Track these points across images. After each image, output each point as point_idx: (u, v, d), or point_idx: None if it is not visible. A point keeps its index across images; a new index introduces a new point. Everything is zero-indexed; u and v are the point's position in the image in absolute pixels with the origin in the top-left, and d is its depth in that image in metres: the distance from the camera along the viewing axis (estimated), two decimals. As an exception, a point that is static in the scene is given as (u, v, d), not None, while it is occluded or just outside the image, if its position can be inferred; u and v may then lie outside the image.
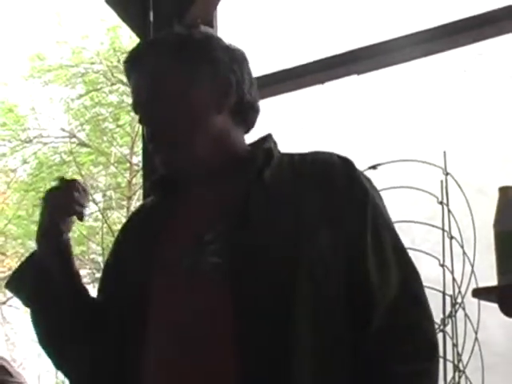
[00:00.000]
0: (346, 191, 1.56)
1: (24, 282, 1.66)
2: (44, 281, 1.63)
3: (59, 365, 1.68)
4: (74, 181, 1.63)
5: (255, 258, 1.48)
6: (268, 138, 1.67)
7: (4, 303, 11.63)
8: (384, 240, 1.56)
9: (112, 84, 11.71)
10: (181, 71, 1.61)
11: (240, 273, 1.47)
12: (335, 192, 1.55)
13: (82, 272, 11.75)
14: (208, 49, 1.64)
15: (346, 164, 1.61)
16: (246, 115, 1.67)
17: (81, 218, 1.63)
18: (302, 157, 1.63)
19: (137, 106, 1.65)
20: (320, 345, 1.46)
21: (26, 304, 1.67)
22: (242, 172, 1.59)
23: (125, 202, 10.91)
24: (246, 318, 1.45)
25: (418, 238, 2.73)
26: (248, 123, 1.68)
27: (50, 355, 1.66)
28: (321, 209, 1.53)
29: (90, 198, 11.21)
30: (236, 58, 1.66)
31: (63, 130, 11.91)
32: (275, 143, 1.67)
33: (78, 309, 1.64)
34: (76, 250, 11.40)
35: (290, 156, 1.64)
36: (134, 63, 1.65)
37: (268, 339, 1.44)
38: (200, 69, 1.62)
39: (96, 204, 11.38)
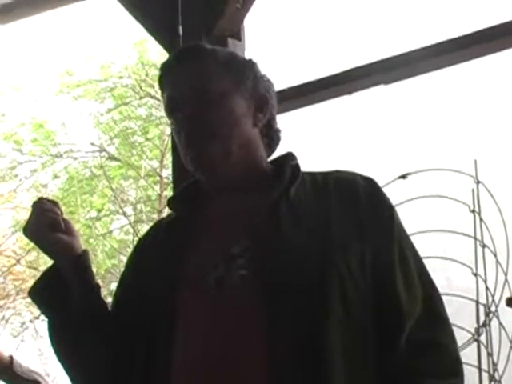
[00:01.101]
0: (372, 211, 1.58)
1: (43, 292, 1.69)
2: (62, 292, 1.65)
3: (74, 376, 1.68)
4: (38, 199, 1.68)
5: (287, 274, 1.49)
6: (291, 155, 1.70)
7: (37, 318, 11.71)
8: (409, 260, 1.59)
9: (140, 98, 11.77)
10: (227, 76, 1.66)
11: (273, 287, 1.48)
12: (361, 212, 1.57)
13: (114, 285, 11.79)
14: (251, 68, 1.71)
15: (369, 184, 1.63)
16: (272, 140, 1.72)
17: (58, 224, 1.66)
18: (324, 176, 1.65)
19: (174, 103, 1.66)
20: (349, 368, 1.47)
21: (44, 313, 1.69)
22: (269, 187, 1.60)
23: (155, 215, 10.96)
24: (280, 335, 1.46)
25: (450, 247, 2.73)
26: (271, 148, 1.72)
27: (66, 368, 1.67)
28: (348, 227, 1.55)
29: (121, 211, 11.18)
30: (271, 86, 1.73)
31: (93, 144, 11.98)
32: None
33: (96, 321, 1.65)
34: (107, 263, 11.46)
35: (312, 175, 1.66)
36: (179, 62, 1.68)
37: (300, 359, 1.45)
38: (243, 81, 1.67)
39: (127, 217, 11.44)
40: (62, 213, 1.68)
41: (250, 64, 1.72)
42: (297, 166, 1.65)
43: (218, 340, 1.50)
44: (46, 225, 1.65)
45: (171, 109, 1.67)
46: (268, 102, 1.69)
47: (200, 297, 1.54)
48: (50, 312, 1.68)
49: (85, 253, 1.68)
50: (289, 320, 1.46)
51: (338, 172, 1.66)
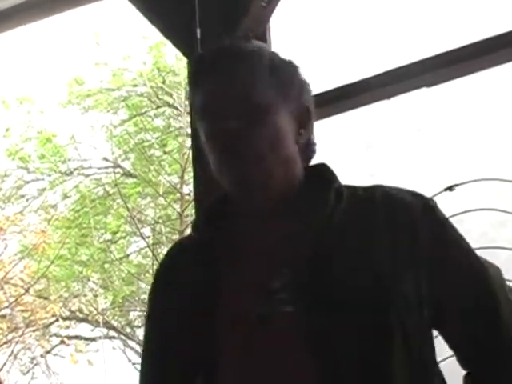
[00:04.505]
0: (427, 231, 1.57)
1: None
2: None
3: None
4: None
5: (337, 309, 1.48)
6: (330, 172, 1.65)
7: (49, 352, 11.77)
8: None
9: (157, 107, 11.83)
10: (273, 85, 1.60)
11: (324, 326, 1.48)
12: (414, 233, 1.56)
13: (132, 314, 11.82)
14: (296, 74, 1.65)
15: (421, 201, 1.61)
16: (308, 157, 1.67)
17: None
18: (367, 191, 1.62)
19: (212, 112, 1.59)
20: None
21: None
22: (310, 212, 1.58)
23: (176, 237, 10.96)
24: (334, 378, 1.46)
25: (506, 266, 2.71)
26: (305, 163, 1.67)
27: None
28: (398, 253, 1.54)
29: (139, 233, 11.16)
30: (311, 93, 1.68)
31: (106, 159, 12.05)
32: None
33: None
34: (124, 290, 11.49)
35: (352, 189, 1.63)
36: (221, 63, 1.60)
37: None
38: (289, 92, 1.62)
39: (145, 239, 11.48)
40: None
41: (294, 69, 1.65)
42: (339, 189, 1.61)
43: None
44: None
45: (208, 119, 1.61)
46: (311, 118, 1.64)
47: (243, 338, 1.53)
48: None
49: None
50: (347, 363, 1.47)
51: (382, 187, 1.63)
